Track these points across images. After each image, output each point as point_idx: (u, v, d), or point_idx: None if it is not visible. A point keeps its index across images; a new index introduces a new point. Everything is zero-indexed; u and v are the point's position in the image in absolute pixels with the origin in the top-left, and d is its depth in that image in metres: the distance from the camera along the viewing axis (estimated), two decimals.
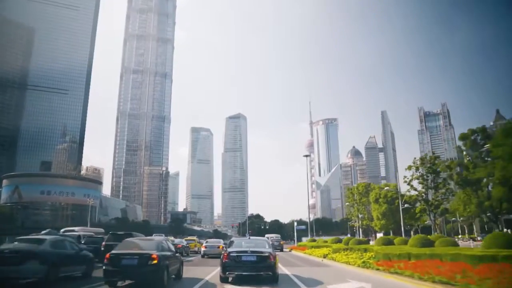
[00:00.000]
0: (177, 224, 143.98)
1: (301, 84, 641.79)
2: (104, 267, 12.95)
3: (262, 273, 14.33)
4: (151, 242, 14.91)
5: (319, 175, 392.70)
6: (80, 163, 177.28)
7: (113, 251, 13.35)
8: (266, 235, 57.07)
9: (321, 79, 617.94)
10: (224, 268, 14.30)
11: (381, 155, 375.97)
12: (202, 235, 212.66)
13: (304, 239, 71.39)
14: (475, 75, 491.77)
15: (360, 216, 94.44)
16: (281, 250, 48.74)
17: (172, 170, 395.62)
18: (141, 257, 12.90)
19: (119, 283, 13.57)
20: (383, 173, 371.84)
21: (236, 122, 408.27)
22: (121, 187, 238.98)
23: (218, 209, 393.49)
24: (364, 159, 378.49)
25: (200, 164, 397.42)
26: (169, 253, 14.81)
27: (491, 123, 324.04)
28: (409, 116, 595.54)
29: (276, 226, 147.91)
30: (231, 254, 14.40)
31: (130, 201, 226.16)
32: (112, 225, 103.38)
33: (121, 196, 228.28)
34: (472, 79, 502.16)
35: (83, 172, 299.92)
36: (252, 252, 14.47)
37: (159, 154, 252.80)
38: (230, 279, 14.71)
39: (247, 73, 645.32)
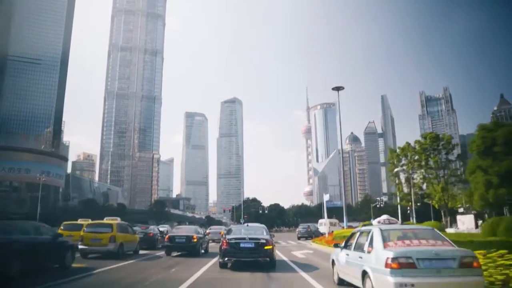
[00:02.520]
0: (159, 209, 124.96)
1: (298, 69, 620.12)
2: (165, 243, 21.76)
3: (260, 259, 14.59)
4: (192, 228, 24.51)
5: (317, 161, 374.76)
6: (58, 139, 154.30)
7: (170, 234, 22.28)
8: (301, 225, 54.63)
9: (319, 64, 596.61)
10: (223, 254, 14.72)
11: (381, 141, 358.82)
12: (193, 221, 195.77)
13: (321, 228, 52.21)
14: (479, 58, 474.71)
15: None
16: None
17: (166, 156, 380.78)
18: (187, 237, 20.92)
19: (173, 253, 21.11)
20: (382, 159, 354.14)
21: (231, 107, 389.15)
22: (109, 171, 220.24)
23: (213, 196, 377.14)
24: (363, 144, 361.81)
25: (195, 150, 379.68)
26: (202, 236, 22.57)
27: (495, 108, 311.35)
28: (410, 101, 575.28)
29: (276, 211, 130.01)
30: (230, 241, 14.71)
31: (118, 186, 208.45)
32: (77, 210, 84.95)
33: (109, 181, 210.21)
34: (475, 62, 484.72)
35: (75, 159, 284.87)
36: (250, 239, 14.78)
37: (150, 137, 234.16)
38: (229, 265, 15.02)
39: (242, 57, 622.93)
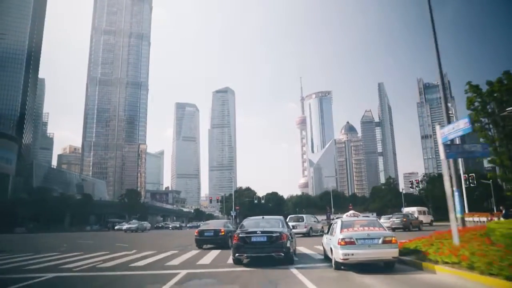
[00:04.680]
0: (133, 201, 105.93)
1: (292, 58, 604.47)
2: (196, 237, 21.88)
3: (273, 254, 13.19)
4: (220, 222, 25.25)
5: (312, 151, 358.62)
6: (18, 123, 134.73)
7: (199, 228, 23.12)
8: (396, 214, 43.38)
9: (314, 52, 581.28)
10: (234, 250, 13.79)
11: (378, 130, 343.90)
12: (181, 215, 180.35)
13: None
14: (477, 44, 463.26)
15: None
16: None
17: (157, 149, 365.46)
18: (215, 231, 21.70)
19: (204, 246, 21.68)
20: (379, 149, 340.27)
21: (223, 97, 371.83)
22: (91, 163, 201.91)
23: (206, 189, 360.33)
24: (360, 134, 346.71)
25: (186, 142, 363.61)
26: (232, 229, 22.11)
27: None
28: (408, 88, 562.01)
29: (273, 202, 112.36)
30: (240, 235, 13.68)
31: (103, 178, 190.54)
32: (23, 202, 67.10)
33: (91, 173, 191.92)
34: (473, 48, 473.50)
35: (61, 152, 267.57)
36: (262, 232, 13.63)
37: (136, 126, 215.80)
38: (244, 261, 14.07)
39: (234, 46, 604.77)
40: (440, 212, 56.93)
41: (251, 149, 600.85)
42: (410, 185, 69.22)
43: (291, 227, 19.51)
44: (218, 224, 23.20)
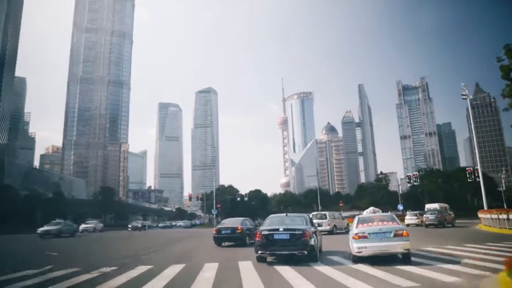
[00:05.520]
0: (107, 199, 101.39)
1: (274, 60, 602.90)
2: (214, 235, 22.05)
3: (295, 252, 12.83)
4: (237, 220, 23.92)
5: (294, 151, 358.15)
6: None
7: (217, 227, 23.32)
8: (430, 210, 41.34)
9: (296, 54, 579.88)
10: (257, 248, 13.50)
11: (358, 130, 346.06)
12: (162, 214, 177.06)
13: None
14: (454, 47, 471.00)
15: None
16: None
17: (139, 149, 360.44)
18: (232, 229, 21.75)
19: (222, 244, 21.76)
20: (360, 149, 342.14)
21: (206, 97, 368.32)
22: (72, 162, 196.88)
23: (189, 189, 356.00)
24: (340, 134, 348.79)
25: (169, 142, 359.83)
26: (250, 227, 22.95)
27: (471, 97, 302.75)
28: (387, 90, 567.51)
29: (257, 200, 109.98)
30: (263, 233, 13.40)
31: (84, 177, 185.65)
32: None
33: (71, 172, 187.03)
34: (451, 52, 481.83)
35: (44, 152, 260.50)
36: (285, 230, 13.21)
37: (118, 124, 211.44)
38: (268, 258, 13.64)
39: (217, 47, 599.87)
40: None
41: (234, 149, 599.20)
42: (408, 180, 67.11)
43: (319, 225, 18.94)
44: (235, 222, 23.41)
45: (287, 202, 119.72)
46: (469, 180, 46.09)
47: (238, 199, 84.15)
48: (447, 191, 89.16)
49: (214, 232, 22.52)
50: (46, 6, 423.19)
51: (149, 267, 12.96)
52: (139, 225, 71.01)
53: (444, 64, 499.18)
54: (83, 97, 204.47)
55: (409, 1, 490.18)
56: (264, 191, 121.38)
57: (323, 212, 34.91)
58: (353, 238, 12.51)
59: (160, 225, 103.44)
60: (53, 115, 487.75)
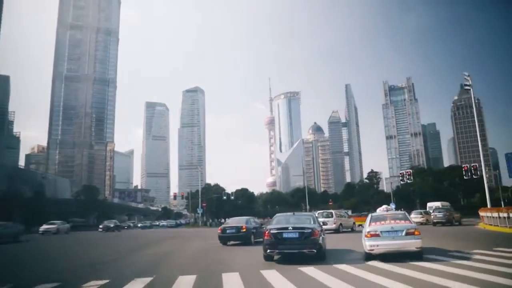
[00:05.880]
0: (90, 198, 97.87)
1: (262, 59, 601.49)
2: (219, 235, 22.07)
3: (305, 250, 12.72)
4: (242, 218, 24.21)
5: (280, 151, 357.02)
6: None
7: (222, 226, 23.57)
8: (438, 208, 43.41)
9: (283, 54, 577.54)
10: (265, 246, 13.30)
11: (344, 130, 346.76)
12: (147, 214, 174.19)
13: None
14: (441, 49, 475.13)
15: None
16: None
17: (126, 148, 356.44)
18: (237, 228, 21.90)
19: (228, 243, 21.56)
20: (346, 149, 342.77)
21: (193, 96, 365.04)
22: (57, 161, 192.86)
23: (175, 188, 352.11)
24: (327, 134, 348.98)
25: (156, 141, 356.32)
26: (256, 226, 22.98)
27: (455, 98, 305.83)
28: (374, 90, 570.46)
29: (244, 198, 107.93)
30: (271, 231, 13.22)
31: (69, 177, 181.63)
32: None
33: (56, 171, 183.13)
34: (437, 53, 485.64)
35: (29, 152, 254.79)
36: (294, 228, 13.16)
37: (104, 123, 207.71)
38: (275, 257, 13.59)
39: (205, 47, 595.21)
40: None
41: (221, 149, 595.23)
42: (401, 178, 65.75)
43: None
44: (240, 221, 23.60)
45: (274, 201, 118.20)
46: (465, 178, 45.33)
47: (224, 197, 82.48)
48: (438, 189, 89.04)
49: (219, 231, 22.76)
50: (30, 3, 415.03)
51: (102, 283, 10.03)
52: (112, 225, 60.76)
53: (429, 65, 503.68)
54: (68, 96, 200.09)
55: (396, 3, 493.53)
56: (251, 189, 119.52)
57: (329, 211, 34.76)
58: (366, 236, 12.76)
59: (139, 225, 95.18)
60: (38, 114, 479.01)
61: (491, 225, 29.52)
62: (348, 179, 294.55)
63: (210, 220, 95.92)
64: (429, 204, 50.20)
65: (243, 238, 21.49)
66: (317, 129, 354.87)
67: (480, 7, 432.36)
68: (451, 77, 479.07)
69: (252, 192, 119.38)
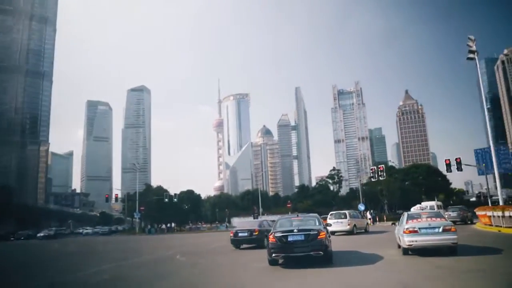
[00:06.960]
0: (3, 201, 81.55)
1: (210, 59, 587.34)
2: (231, 238, 21.82)
3: (312, 253, 12.34)
4: (255, 221, 25.59)
5: (229, 154, 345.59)
6: None
7: (234, 229, 23.03)
8: (451, 208, 41.37)
9: (232, 54, 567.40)
10: (270, 250, 12.88)
11: (293, 134, 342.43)
12: (85, 219, 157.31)
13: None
14: (386, 55, 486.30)
15: None
16: None
17: (65, 150, 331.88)
18: (249, 231, 21.35)
19: (241, 247, 21.45)
20: (294, 152, 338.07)
21: (139, 96, 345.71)
22: None
23: (118, 193, 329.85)
24: (276, 138, 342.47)
25: (98, 142, 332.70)
26: (270, 228, 18.19)
27: (400, 103, 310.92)
28: (323, 94, 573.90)
29: (190, 201, 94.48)
30: (276, 235, 12.82)
31: None
32: None
33: None
34: (383, 59, 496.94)
35: None
36: (299, 230, 12.72)
37: (37, 120, 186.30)
38: (280, 261, 13.27)
39: (152, 44, 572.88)
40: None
41: (167, 152, 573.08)
42: (371, 175, 57.46)
43: (327, 225, 20.31)
44: (253, 224, 23.78)
45: (223, 204, 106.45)
46: (447, 172, 41.65)
47: (166, 200, 69.78)
48: (402, 189, 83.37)
49: (231, 234, 22.49)
50: None
51: None
52: None
53: (376, 70, 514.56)
54: None
55: (346, 7, 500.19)
56: (197, 192, 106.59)
57: (342, 211, 33.14)
58: (404, 232, 13.59)
59: (40, 234, 63.92)
60: None
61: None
62: (296, 182, 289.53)
63: (149, 226, 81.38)
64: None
65: (256, 241, 21.19)
66: (266, 132, 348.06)
67: (429, 14, 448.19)
68: (396, 83, 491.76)
69: (199, 194, 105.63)
